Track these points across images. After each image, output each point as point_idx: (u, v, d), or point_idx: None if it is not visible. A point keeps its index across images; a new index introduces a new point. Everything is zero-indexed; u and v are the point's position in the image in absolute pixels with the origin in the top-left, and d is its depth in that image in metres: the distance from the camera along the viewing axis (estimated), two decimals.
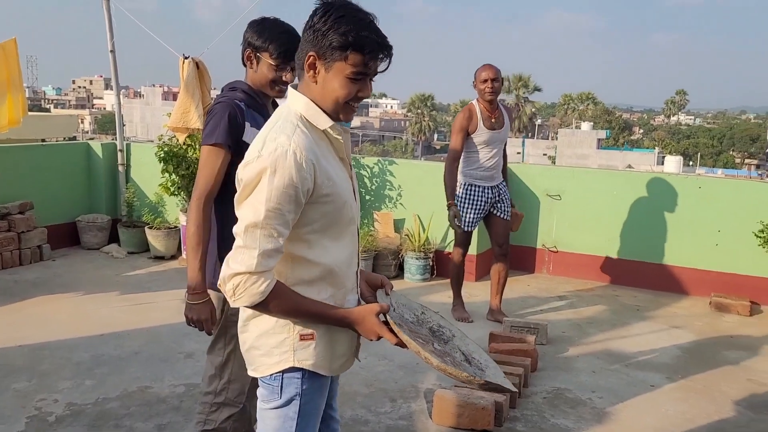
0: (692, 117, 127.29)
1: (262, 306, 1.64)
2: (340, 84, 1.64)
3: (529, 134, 61.31)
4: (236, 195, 1.65)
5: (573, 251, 6.33)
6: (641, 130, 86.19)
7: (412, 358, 4.14)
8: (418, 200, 6.36)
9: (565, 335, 4.81)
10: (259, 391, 1.80)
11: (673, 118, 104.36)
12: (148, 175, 7.04)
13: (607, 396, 3.83)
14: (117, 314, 5.01)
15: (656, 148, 54.01)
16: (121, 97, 7.53)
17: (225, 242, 2.26)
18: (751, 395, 3.90)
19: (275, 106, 2.46)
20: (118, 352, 4.26)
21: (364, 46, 1.60)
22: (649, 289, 5.99)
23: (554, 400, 3.76)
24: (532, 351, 4.16)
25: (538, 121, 66.89)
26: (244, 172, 1.62)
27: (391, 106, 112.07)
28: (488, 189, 4.88)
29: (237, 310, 1.78)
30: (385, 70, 1.69)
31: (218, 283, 1.67)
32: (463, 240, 5.01)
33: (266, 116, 2.23)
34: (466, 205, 4.88)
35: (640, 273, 6.04)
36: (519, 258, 6.27)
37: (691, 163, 52.61)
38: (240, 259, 1.60)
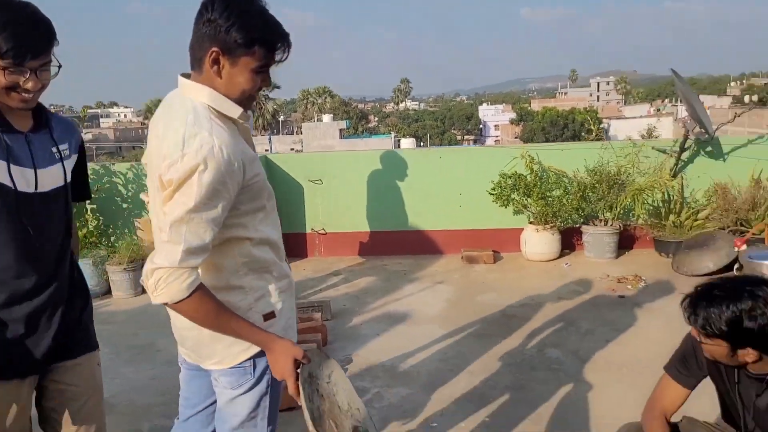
0: (417, 102, 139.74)
1: (181, 305, 1.59)
2: (246, 78, 1.65)
3: (275, 131, 61.93)
4: (165, 193, 1.58)
5: (340, 231, 6.68)
6: (376, 118, 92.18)
7: None
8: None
9: (347, 308, 5.10)
10: (225, 381, 1.80)
11: (402, 105, 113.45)
12: None
13: (394, 354, 4.17)
14: None
15: (392, 132, 58.23)
16: None
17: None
18: (506, 326, 4.54)
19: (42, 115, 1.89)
20: None
21: (270, 41, 1.62)
22: (411, 254, 6.57)
23: (350, 366, 3.99)
24: (321, 327, 4.34)
25: (281, 118, 67.86)
26: (171, 172, 1.55)
27: (125, 115, 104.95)
28: None
29: None
30: (285, 59, 1.69)
31: (141, 278, 1.62)
32: None
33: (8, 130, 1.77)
34: None
35: (402, 241, 6.59)
36: (291, 245, 6.44)
37: (422, 143, 57.65)
38: (164, 254, 1.56)
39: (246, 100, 1.71)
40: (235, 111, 1.69)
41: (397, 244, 6.59)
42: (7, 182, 1.73)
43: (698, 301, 1.88)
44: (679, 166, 6.14)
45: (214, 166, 1.56)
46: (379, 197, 6.58)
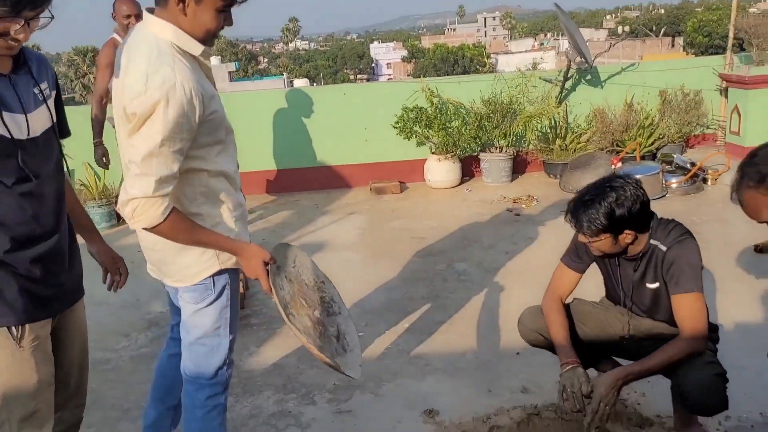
0: (307, 42, 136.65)
1: (159, 228, 1.78)
2: (210, 17, 1.78)
3: None
4: (130, 125, 1.72)
5: (249, 170, 6.78)
6: (266, 60, 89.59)
7: (130, 296, 4.21)
8: (83, 149, 6.03)
9: (266, 241, 5.31)
10: (188, 296, 2.00)
11: (291, 45, 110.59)
12: None
13: None
14: None
15: (284, 74, 57.01)
16: None
17: None
18: (417, 248, 4.94)
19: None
20: None
21: None
22: (322, 189, 6.81)
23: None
24: None
25: None
26: (134, 105, 1.69)
27: None
28: None
29: None
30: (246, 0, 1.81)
31: (117, 207, 1.81)
32: None
33: None
34: None
35: (311, 177, 6.82)
36: None
37: (315, 84, 56.92)
38: (138, 185, 1.72)
39: (209, 39, 1.85)
40: (197, 49, 1.83)
41: (307, 181, 6.81)
42: (3, 131, 1.66)
43: (576, 211, 2.28)
44: (563, 94, 6.70)
45: (177, 102, 1.71)
46: (285, 135, 6.72)
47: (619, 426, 2.42)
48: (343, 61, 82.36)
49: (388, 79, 66.69)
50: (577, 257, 2.54)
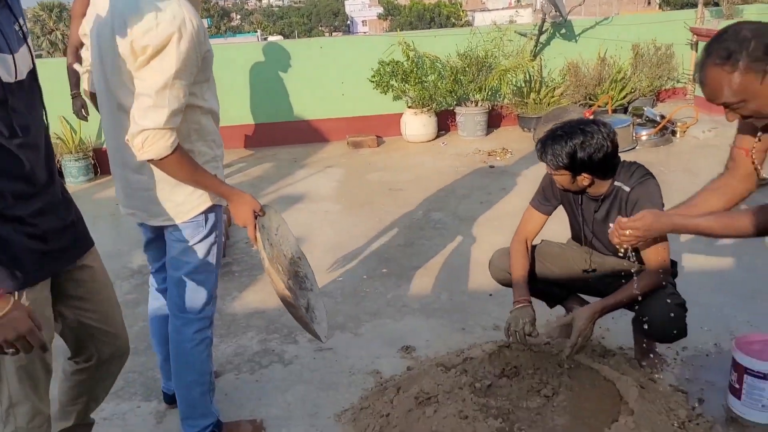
0: None
1: (166, 160, 1.85)
2: None
3: None
4: (139, 59, 1.77)
5: (227, 125, 6.79)
6: (239, 16, 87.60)
7: (112, 247, 4.28)
8: (59, 102, 5.98)
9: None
10: (179, 234, 2.07)
11: (265, 1, 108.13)
12: None
13: (294, 228, 4.55)
14: None
15: (257, 30, 55.94)
16: None
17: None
18: (394, 199, 5.04)
19: None
20: None
21: None
22: (299, 143, 6.85)
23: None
24: (226, 209, 4.62)
25: None
26: (147, 38, 1.75)
27: None
28: None
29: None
30: None
31: (126, 138, 1.84)
32: None
33: None
34: None
35: (288, 131, 6.84)
36: None
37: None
38: (151, 117, 1.79)
39: None
40: None
41: (284, 135, 6.83)
42: None
43: (546, 141, 2.40)
44: (537, 48, 6.76)
45: (188, 35, 1.79)
46: (262, 90, 6.71)
47: (584, 356, 2.57)
48: (318, 18, 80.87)
49: (364, 35, 65.81)
50: (544, 200, 2.66)
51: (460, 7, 56.46)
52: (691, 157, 5.52)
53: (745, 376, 2.32)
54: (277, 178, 5.80)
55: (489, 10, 62.42)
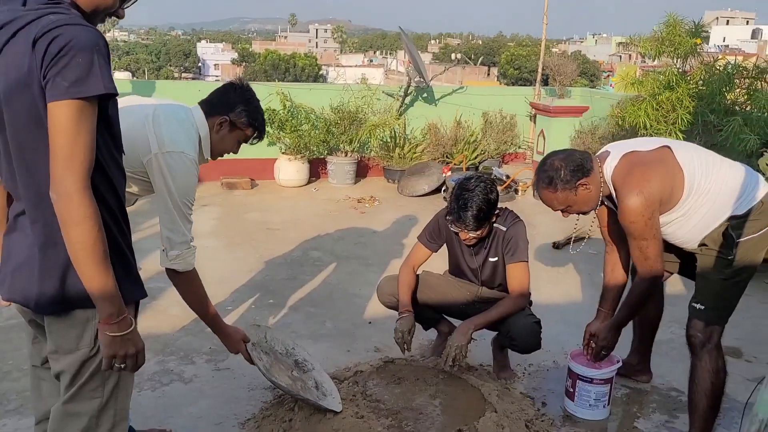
0: (126, 33, 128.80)
1: (185, 275, 2.33)
2: (231, 144, 2.51)
3: None
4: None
5: None
6: None
7: None
8: None
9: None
10: None
11: (109, 34, 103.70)
12: None
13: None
14: None
15: None
16: None
17: (124, 232, 1.72)
18: (273, 238, 5.37)
19: None
20: None
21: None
22: None
23: (142, 273, 4.46)
24: None
25: None
26: (162, 162, 2.24)
27: None
28: None
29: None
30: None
31: (164, 247, 2.20)
32: None
33: None
34: None
35: None
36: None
37: (136, 78, 54.13)
38: (181, 232, 2.19)
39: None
40: (205, 157, 2.53)
41: None
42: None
43: (462, 213, 2.86)
44: (403, 108, 7.50)
45: (194, 173, 2.41)
46: None
47: (454, 370, 3.07)
48: (167, 58, 78.91)
49: (216, 80, 65.07)
50: (432, 239, 3.18)
51: (316, 60, 58.18)
52: (531, 211, 6.40)
53: (577, 381, 2.93)
54: (153, 215, 5.88)
55: (343, 66, 64.93)
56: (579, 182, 2.54)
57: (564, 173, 2.53)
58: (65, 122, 1.41)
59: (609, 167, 2.56)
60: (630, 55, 55.50)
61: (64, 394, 1.70)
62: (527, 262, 3.02)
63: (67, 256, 1.52)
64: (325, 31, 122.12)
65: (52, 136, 1.43)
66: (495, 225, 3.03)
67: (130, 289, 1.70)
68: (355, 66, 64.38)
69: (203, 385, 3.12)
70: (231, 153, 2.56)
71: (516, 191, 7.01)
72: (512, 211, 3.11)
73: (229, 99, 2.48)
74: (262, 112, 2.58)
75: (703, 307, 2.53)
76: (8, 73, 1.46)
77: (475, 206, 2.85)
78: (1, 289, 1.71)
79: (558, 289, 4.49)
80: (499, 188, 6.68)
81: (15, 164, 1.55)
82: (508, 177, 6.93)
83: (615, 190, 2.56)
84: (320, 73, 52.21)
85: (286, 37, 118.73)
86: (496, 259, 3.08)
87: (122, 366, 1.60)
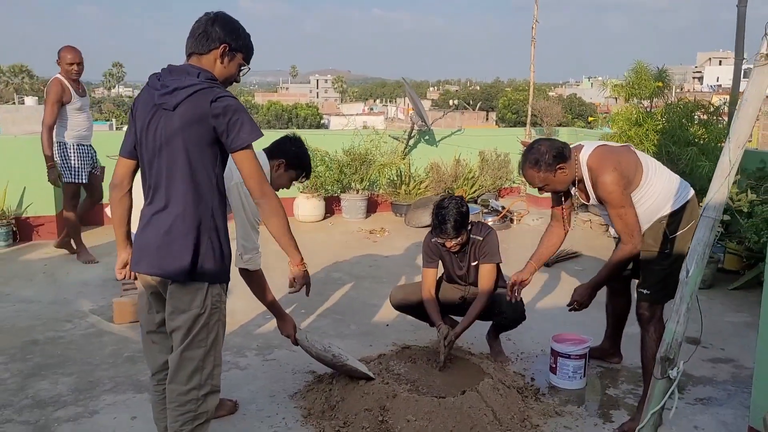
0: (131, 89, 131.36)
1: (255, 273, 3.12)
2: (286, 180, 3.35)
3: None
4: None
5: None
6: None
7: (56, 295, 4.97)
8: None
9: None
10: None
11: (113, 90, 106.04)
12: None
13: None
14: None
15: (111, 120, 54.96)
16: None
17: (228, 235, 2.54)
18: None
19: None
20: None
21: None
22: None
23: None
24: None
25: None
26: (241, 190, 3.06)
27: None
28: (89, 146, 5.80)
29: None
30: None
31: (240, 252, 2.99)
32: (73, 192, 5.74)
33: None
34: (79, 162, 5.66)
35: None
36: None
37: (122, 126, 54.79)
38: (252, 241, 3.00)
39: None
40: None
41: None
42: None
43: (443, 226, 3.62)
44: (407, 149, 8.35)
45: None
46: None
47: (458, 352, 3.80)
48: None
49: None
50: (430, 259, 3.93)
51: (317, 110, 59.79)
52: (525, 238, 7.18)
53: (558, 357, 3.65)
54: None
55: (344, 115, 66.52)
56: (558, 166, 3.15)
57: (548, 157, 3.13)
58: (251, 157, 2.35)
59: (585, 154, 3.20)
60: (626, 97, 56.89)
61: (179, 345, 2.38)
62: (498, 263, 3.80)
63: (198, 244, 2.32)
64: (326, 81, 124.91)
65: (243, 167, 2.35)
66: (472, 236, 3.79)
67: (226, 272, 2.46)
68: (356, 114, 66.03)
69: (256, 371, 3.85)
70: (285, 188, 3.30)
71: (511, 220, 7.79)
72: (485, 223, 3.93)
73: (285, 147, 3.29)
74: (309, 158, 3.37)
75: (648, 292, 3.27)
76: (190, 112, 2.26)
77: (451, 218, 3.60)
78: (138, 266, 2.45)
79: (548, 297, 5.23)
80: (496, 218, 7.51)
81: (176, 175, 2.31)
82: (503, 208, 7.72)
83: (590, 171, 3.17)
84: (322, 122, 53.71)
85: (287, 88, 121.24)
86: (476, 262, 3.83)
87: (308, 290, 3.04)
